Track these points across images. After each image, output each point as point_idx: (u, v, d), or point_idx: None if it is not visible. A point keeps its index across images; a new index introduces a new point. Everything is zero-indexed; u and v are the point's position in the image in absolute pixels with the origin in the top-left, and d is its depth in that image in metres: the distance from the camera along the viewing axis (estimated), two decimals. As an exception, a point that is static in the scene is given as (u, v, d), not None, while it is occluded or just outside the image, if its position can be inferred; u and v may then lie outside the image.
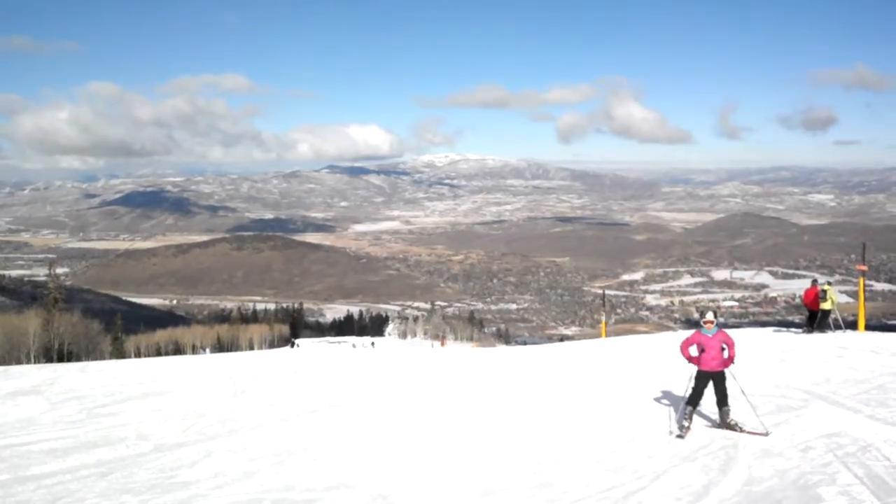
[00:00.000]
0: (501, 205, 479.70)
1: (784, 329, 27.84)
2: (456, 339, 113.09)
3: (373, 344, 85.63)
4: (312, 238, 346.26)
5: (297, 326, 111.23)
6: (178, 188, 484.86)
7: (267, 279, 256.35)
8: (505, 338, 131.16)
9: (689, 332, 11.26)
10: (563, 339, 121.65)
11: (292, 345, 78.80)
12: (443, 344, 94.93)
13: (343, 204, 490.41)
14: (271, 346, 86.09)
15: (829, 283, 24.82)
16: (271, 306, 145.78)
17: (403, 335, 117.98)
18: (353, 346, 76.14)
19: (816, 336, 23.42)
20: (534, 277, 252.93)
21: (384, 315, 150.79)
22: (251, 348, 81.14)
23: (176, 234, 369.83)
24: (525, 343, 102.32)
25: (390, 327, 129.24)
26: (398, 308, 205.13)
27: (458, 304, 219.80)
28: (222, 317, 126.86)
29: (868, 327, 26.45)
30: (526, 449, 10.01)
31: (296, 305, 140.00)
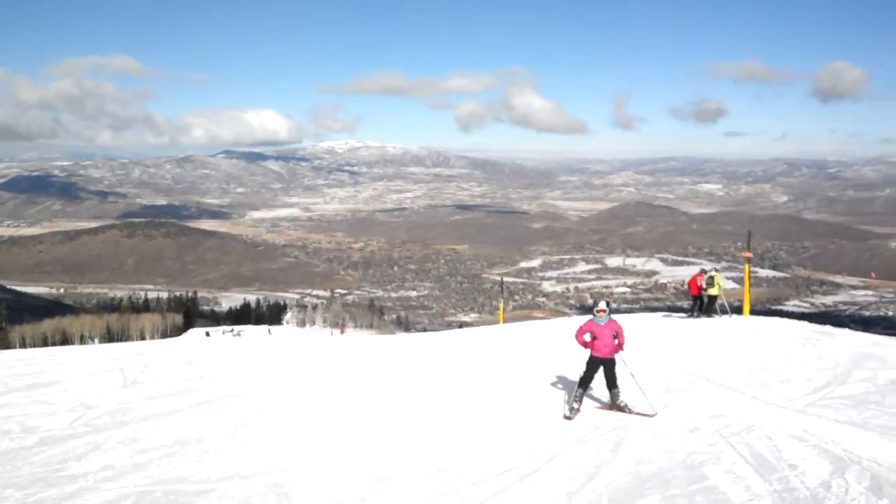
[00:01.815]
0: (402, 192, 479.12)
1: (673, 314, 28.78)
2: (356, 326, 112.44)
3: (269, 332, 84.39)
4: (207, 225, 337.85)
5: (191, 315, 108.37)
6: (66, 173, 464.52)
7: (159, 267, 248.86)
8: (405, 325, 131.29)
9: (584, 320, 11.57)
10: (462, 325, 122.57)
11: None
12: (342, 332, 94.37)
13: (239, 190, 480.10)
14: (164, 335, 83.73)
15: (717, 270, 25.78)
16: (164, 295, 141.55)
17: (302, 323, 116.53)
18: (223, 333, 75.67)
19: (703, 321, 24.31)
20: (434, 265, 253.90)
21: (282, 303, 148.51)
22: (143, 338, 78.82)
23: (63, 220, 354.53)
24: (425, 330, 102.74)
25: (288, 316, 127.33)
26: (297, 296, 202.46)
27: (358, 292, 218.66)
28: (112, 306, 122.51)
29: (753, 312, 27.60)
30: (423, 434, 10.05)
31: (189, 294, 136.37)
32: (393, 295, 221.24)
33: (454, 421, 10.81)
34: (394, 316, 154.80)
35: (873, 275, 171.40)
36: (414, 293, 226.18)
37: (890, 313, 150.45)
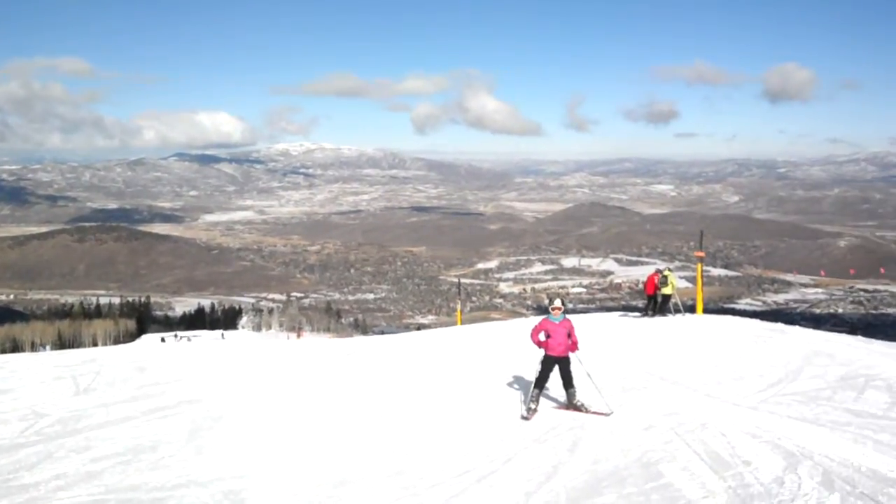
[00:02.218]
0: (358, 194, 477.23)
1: (628, 314, 29.09)
2: (313, 330, 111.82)
3: (223, 336, 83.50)
4: (160, 229, 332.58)
5: (144, 321, 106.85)
6: (14, 177, 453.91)
7: (111, 272, 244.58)
8: (362, 328, 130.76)
9: (539, 319, 11.64)
10: (420, 327, 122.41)
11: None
12: (299, 336, 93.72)
13: (192, 193, 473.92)
14: (116, 341, 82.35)
15: (670, 269, 26.14)
16: (116, 300, 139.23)
17: (258, 328, 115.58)
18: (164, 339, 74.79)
19: (658, 319, 24.62)
20: (391, 267, 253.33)
21: (237, 307, 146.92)
22: (95, 345, 77.41)
23: (12, 225, 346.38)
24: (383, 333, 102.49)
25: (244, 320, 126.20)
26: (252, 300, 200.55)
27: (315, 295, 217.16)
28: (63, 312, 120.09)
29: (706, 311, 28.02)
30: (381, 438, 10.03)
31: (142, 299, 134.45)
32: (350, 298, 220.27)
33: (412, 423, 10.81)
34: (351, 319, 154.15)
35: (822, 273, 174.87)
36: (371, 296, 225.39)
37: (840, 311, 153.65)
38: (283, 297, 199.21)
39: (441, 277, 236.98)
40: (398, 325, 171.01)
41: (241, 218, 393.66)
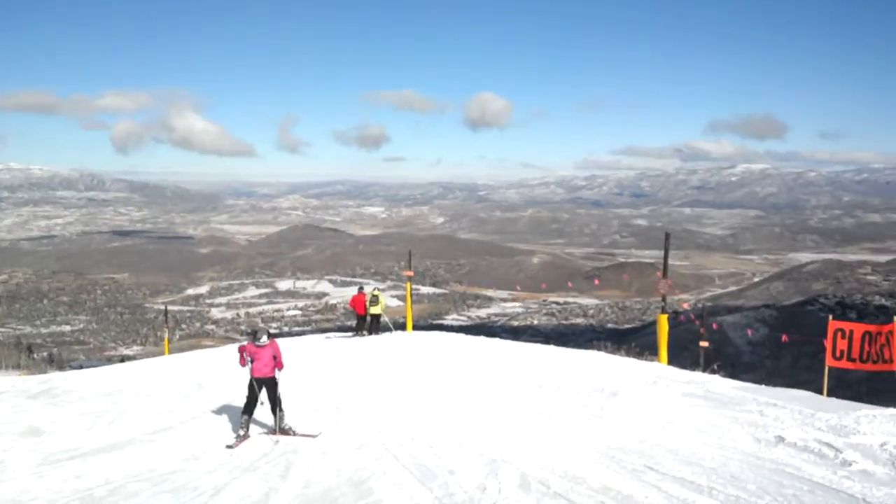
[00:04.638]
0: (51, 218, 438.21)
1: (336, 334, 29.33)
2: (1, 367, 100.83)
3: None
4: None
5: None
6: None
7: None
8: (58, 362, 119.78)
9: (245, 342, 11.39)
10: (123, 359, 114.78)
11: None
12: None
13: None
14: None
15: (378, 290, 26.77)
16: None
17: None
18: None
19: (369, 338, 25.09)
20: (90, 296, 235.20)
21: None
22: None
23: None
24: (81, 367, 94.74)
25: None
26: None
27: (3, 329, 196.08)
28: None
29: (416, 327, 29.03)
30: (78, 485, 9.17)
31: None
32: (44, 331, 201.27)
33: (119, 463, 10.01)
34: (45, 353, 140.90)
35: (518, 288, 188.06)
36: (68, 327, 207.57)
37: (535, 322, 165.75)
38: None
39: (147, 305, 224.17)
40: (100, 357, 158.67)
41: None
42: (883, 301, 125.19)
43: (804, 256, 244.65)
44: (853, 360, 15.40)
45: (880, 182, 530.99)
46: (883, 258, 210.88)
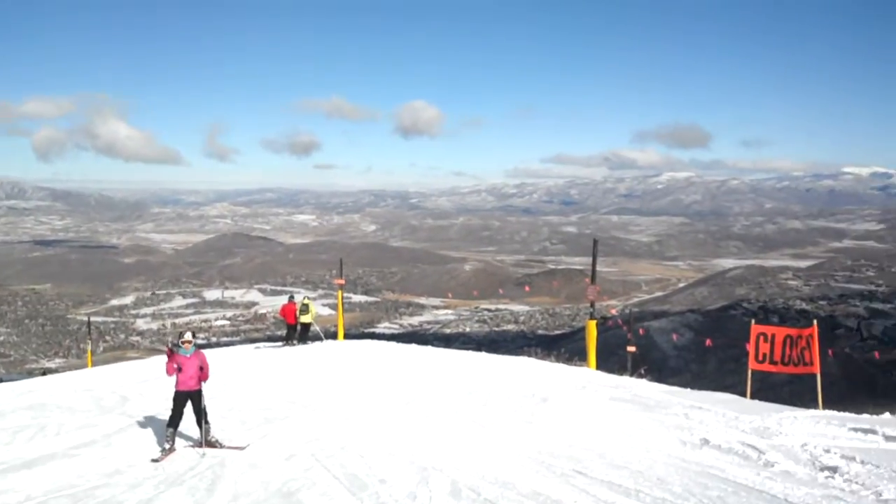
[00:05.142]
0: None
1: (266, 344, 28.92)
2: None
3: None
4: None
5: None
6: None
7: None
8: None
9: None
10: (45, 372, 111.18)
11: None
12: None
13: None
14: None
15: (308, 298, 26.52)
16: None
17: None
18: None
19: (300, 347, 24.81)
20: (10, 308, 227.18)
21: None
22: None
23: None
24: (0, 381, 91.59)
25: None
26: None
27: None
28: None
29: (347, 336, 28.87)
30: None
31: None
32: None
33: (32, 477, 9.65)
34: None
35: (450, 295, 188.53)
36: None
37: (467, 329, 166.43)
38: None
39: (69, 316, 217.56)
40: (20, 370, 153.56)
41: None
42: (804, 305, 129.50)
43: (728, 262, 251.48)
44: (775, 364, 15.86)
45: (800, 189, 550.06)
46: (803, 263, 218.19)
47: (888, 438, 10.35)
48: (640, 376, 20.38)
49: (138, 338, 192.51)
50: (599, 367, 20.43)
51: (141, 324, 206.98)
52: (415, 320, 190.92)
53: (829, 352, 61.76)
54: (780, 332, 16.19)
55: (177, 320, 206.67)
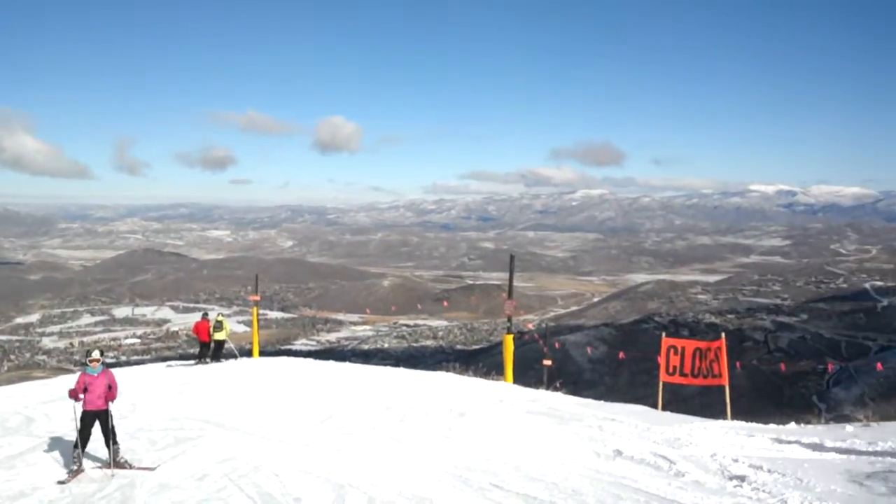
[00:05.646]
0: None
1: (177, 363, 28.23)
2: None
3: None
4: None
5: None
6: None
7: None
8: None
9: (78, 374, 10.80)
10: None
11: None
12: None
13: None
14: None
15: (222, 315, 26.05)
16: None
17: None
18: None
19: (213, 366, 24.32)
20: None
21: None
22: None
23: None
24: None
25: None
26: None
27: None
28: None
29: (263, 353, 28.42)
30: None
31: None
32: None
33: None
34: None
35: (368, 311, 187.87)
36: None
37: (386, 345, 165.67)
38: None
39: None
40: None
41: None
42: (713, 319, 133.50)
43: (640, 277, 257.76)
44: (685, 376, 16.32)
45: (709, 206, 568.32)
46: (712, 278, 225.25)
47: (793, 447, 10.76)
48: (556, 389, 20.68)
49: (45, 357, 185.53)
50: (517, 380, 20.64)
51: (47, 342, 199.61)
52: (332, 336, 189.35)
53: (738, 364, 64.00)
54: (690, 345, 16.66)
55: (85, 338, 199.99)
